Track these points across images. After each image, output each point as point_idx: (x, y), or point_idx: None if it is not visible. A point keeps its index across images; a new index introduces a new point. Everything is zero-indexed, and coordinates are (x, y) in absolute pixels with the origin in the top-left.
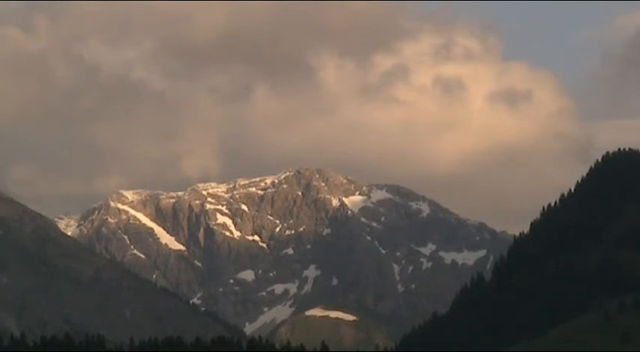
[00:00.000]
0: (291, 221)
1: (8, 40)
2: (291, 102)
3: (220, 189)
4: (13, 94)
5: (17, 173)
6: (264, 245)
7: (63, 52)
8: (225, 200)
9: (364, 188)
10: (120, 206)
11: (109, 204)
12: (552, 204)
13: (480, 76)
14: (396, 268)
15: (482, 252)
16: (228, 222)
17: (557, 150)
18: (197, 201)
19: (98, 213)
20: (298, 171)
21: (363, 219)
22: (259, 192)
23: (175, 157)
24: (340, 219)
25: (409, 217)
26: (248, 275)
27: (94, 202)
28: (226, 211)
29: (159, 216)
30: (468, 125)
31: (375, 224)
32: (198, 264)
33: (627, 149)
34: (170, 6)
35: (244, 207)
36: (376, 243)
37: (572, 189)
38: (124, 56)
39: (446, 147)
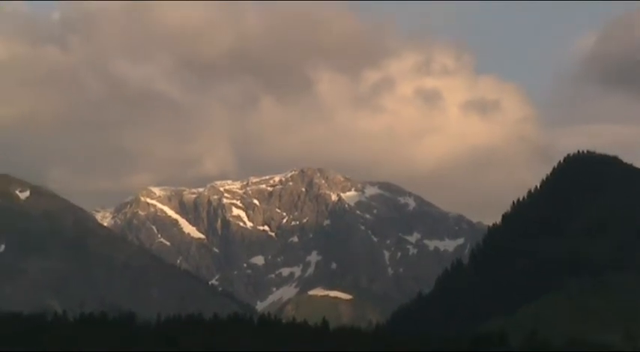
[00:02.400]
0: (296, 213)
1: (46, 57)
2: (292, 110)
3: (235, 186)
4: (51, 105)
5: (57, 173)
6: (273, 234)
7: (93, 67)
8: (240, 195)
9: (359, 185)
10: (149, 200)
11: (139, 199)
12: (521, 199)
13: (455, 88)
14: (386, 254)
15: (460, 240)
16: (242, 214)
17: (523, 152)
18: (215, 196)
19: (130, 206)
20: (302, 171)
21: (358, 212)
22: (269, 188)
23: (195, 159)
24: (338, 211)
25: (398, 210)
26: (259, 260)
27: (126, 197)
28: (240, 205)
29: (182, 209)
30: (446, 130)
31: (368, 216)
32: (216, 251)
33: (585, 151)
34: (187, 27)
35: (256, 201)
36: (369, 232)
37: (538, 186)
38: (147, 71)
39: (427, 149)
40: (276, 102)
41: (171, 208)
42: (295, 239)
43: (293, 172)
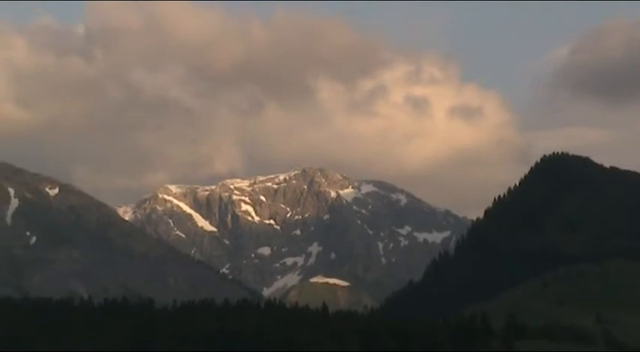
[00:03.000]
0: (299, 208)
1: (72, 68)
2: (294, 115)
3: (244, 184)
4: (77, 110)
5: (83, 172)
6: (278, 227)
7: (114, 76)
8: (248, 192)
9: (355, 183)
10: (166, 197)
11: (157, 196)
12: (502, 196)
13: (442, 95)
14: (380, 245)
15: (447, 233)
16: (250, 209)
17: (503, 154)
18: (226, 193)
19: (149, 202)
20: (304, 170)
21: (354, 207)
22: (274, 186)
23: (206, 159)
24: (337, 207)
25: (390, 205)
26: (265, 250)
27: (145, 194)
28: (248, 201)
29: (196, 204)
30: (433, 134)
31: (364, 211)
32: (227, 242)
33: (560, 152)
34: (199, 40)
35: (262, 197)
36: (365, 225)
37: (517, 184)
38: (163, 80)
39: (416, 151)
40: (280, 108)
41: (186, 204)
42: (298, 232)
43: (296, 171)
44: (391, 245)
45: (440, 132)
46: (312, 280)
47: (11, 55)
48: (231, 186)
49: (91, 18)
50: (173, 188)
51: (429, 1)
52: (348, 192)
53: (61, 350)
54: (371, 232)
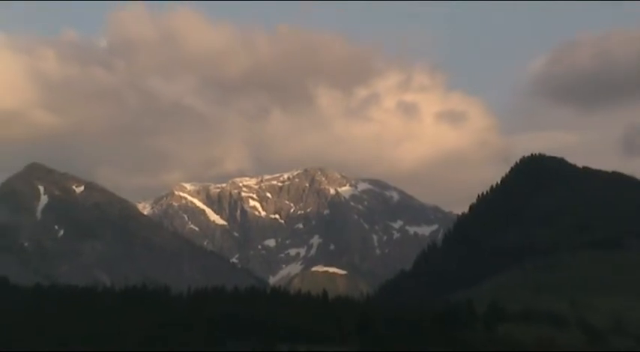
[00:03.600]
0: (301, 204)
1: (95, 77)
2: (297, 120)
3: (251, 182)
4: (99, 116)
5: (106, 171)
6: (283, 221)
7: (134, 85)
8: (255, 189)
9: (352, 181)
10: (181, 194)
11: (173, 193)
12: (485, 193)
13: (430, 102)
14: (375, 238)
15: (435, 227)
16: (257, 205)
17: (486, 155)
18: (235, 190)
19: (166, 199)
20: (306, 170)
21: (352, 203)
22: (279, 184)
23: (218, 160)
24: (336, 203)
25: (384, 202)
26: (271, 242)
27: (162, 191)
28: (256, 197)
29: (208, 201)
30: (422, 137)
31: (360, 207)
32: (236, 235)
33: (537, 154)
34: (211, 52)
35: (269, 194)
36: (361, 220)
37: (499, 182)
38: (178, 88)
39: (407, 152)
40: (284, 114)
41: (200, 200)
42: (301, 225)
43: (298, 171)
44: (385, 237)
45: (428, 135)
46: (314, 269)
47: (41, 65)
48: (240, 184)
49: (112, 32)
50: (187, 186)
51: (418, 15)
52: (345, 190)
53: (86, 332)
54: (367, 226)
